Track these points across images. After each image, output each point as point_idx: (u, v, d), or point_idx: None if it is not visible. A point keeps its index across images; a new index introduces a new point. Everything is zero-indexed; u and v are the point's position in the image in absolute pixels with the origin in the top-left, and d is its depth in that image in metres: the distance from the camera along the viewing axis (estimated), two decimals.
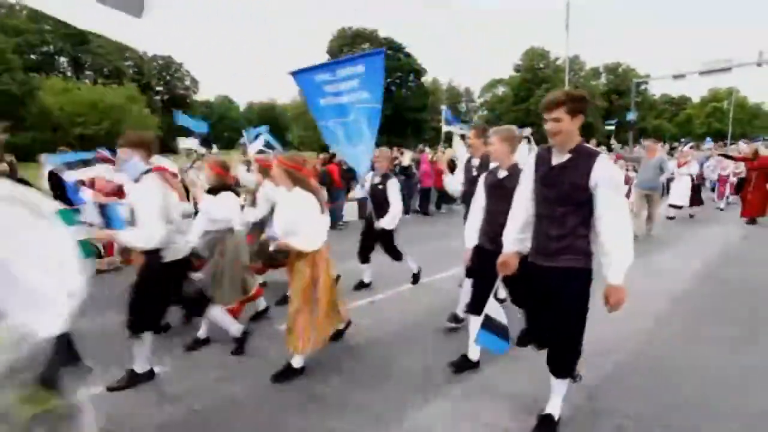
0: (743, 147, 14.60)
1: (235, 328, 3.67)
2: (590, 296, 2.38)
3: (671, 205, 9.76)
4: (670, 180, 10.30)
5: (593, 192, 2.22)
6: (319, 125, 4.81)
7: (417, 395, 2.98)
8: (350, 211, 10.06)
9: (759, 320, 4.15)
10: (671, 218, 9.64)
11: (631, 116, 28.06)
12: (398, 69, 52.91)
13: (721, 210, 10.98)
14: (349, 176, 9.55)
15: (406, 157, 10.81)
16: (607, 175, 2.20)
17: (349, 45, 52.38)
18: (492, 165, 3.37)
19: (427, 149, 14.23)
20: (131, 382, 3.14)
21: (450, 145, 7.82)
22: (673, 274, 5.63)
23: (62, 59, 45.93)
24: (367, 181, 4.98)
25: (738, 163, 10.24)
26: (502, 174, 3.13)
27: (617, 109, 56.65)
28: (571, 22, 17.54)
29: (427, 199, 11.08)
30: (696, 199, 9.85)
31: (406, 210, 10.65)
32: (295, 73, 4.69)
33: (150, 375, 3.22)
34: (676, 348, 3.62)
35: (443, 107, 6.44)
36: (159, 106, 54.81)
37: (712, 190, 12.64)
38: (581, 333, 2.42)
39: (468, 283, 3.67)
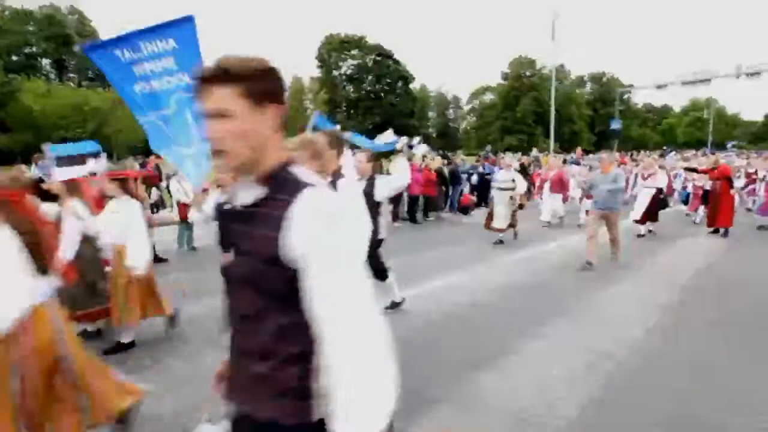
0: (702, 160, 14.80)
1: None
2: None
3: (636, 221, 8.87)
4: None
5: (296, 267, 1.01)
6: (140, 122, 3.43)
7: (405, 411, 2.94)
8: None
9: (745, 348, 4.13)
10: (641, 236, 8.80)
11: (616, 125, 28.64)
12: (387, 75, 53.18)
13: (696, 223, 10.26)
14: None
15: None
16: (317, 232, 1.00)
17: (338, 51, 52.60)
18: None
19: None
20: None
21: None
22: (646, 303, 4.96)
23: (45, 61, 45.13)
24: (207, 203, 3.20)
25: (701, 175, 9.92)
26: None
27: (602, 118, 57.84)
28: (557, 32, 17.87)
29: (414, 206, 11.09)
30: (650, 214, 8.83)
31: (395, 216, 10.66)
32: (89, 50, 3.39)
33: None
34: (655, 372, 3.65)
35: (315, 112, 5.21)
36: None
37: (684, 203, 11.95)
38: None
39: None
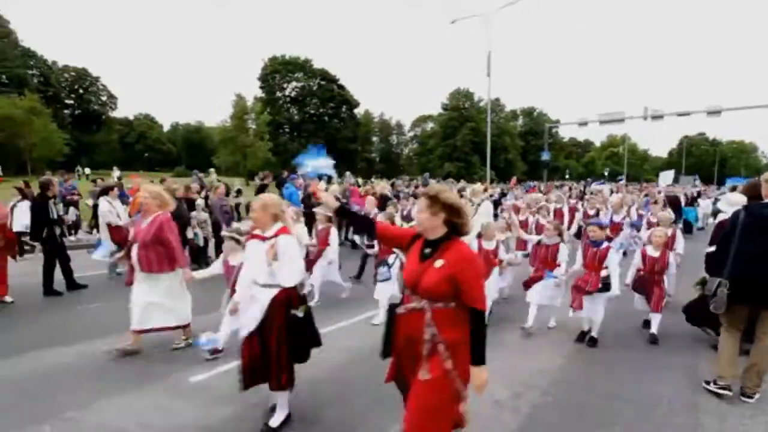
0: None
1: None
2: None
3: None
4: None
5: None
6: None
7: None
8: None
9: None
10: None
11: (546, 156, 30.75)
12: (331, 99, 53.58)
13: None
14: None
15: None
16: None
17: (281, 73, 52.32)
18: None
19: (359, 181, 14.30)
20: None
21: None
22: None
23: None
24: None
25: None
26: None
27: (533, 149, 62.12)
28: (493, 68, 19.10)
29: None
30: None
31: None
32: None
33: None
34: None
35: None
36: (68, 122, 50.12)
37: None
38: None
39: None
